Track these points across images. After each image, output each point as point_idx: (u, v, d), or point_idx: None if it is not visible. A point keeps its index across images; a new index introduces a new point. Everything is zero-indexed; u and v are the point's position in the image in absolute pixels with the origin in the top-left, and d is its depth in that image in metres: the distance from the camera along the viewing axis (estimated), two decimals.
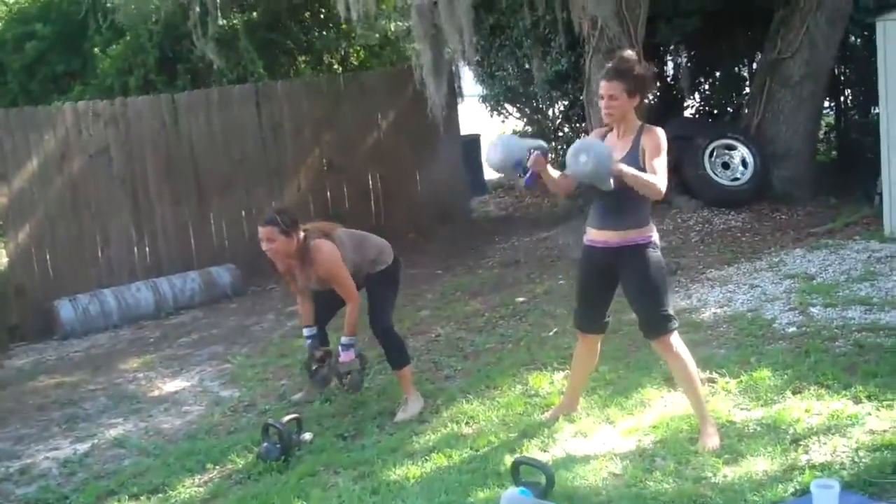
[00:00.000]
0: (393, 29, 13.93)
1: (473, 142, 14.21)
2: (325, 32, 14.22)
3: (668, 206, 10.20)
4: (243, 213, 10.23)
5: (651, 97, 12.08)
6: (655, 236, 4.80)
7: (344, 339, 5.66)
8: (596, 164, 4.37)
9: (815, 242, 8.49)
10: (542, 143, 4.86)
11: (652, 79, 4.98)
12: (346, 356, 5.65)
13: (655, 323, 4.76)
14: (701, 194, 10.06)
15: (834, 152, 12.17)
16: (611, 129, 4.83)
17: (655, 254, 4.75)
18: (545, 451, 4.85)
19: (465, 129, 15.45)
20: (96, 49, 15.51)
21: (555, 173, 4.84)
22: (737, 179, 10.00)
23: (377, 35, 13.01)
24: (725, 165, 10.07)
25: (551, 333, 6.92)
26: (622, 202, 4.66)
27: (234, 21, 14.16)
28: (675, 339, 4.78)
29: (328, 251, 5.55)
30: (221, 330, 8.39)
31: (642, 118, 4.83)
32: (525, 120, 13.63)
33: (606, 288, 4.92)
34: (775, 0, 10.36)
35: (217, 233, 10.05)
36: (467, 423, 5.38)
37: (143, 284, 9.21)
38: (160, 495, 4.92)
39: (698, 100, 12.11)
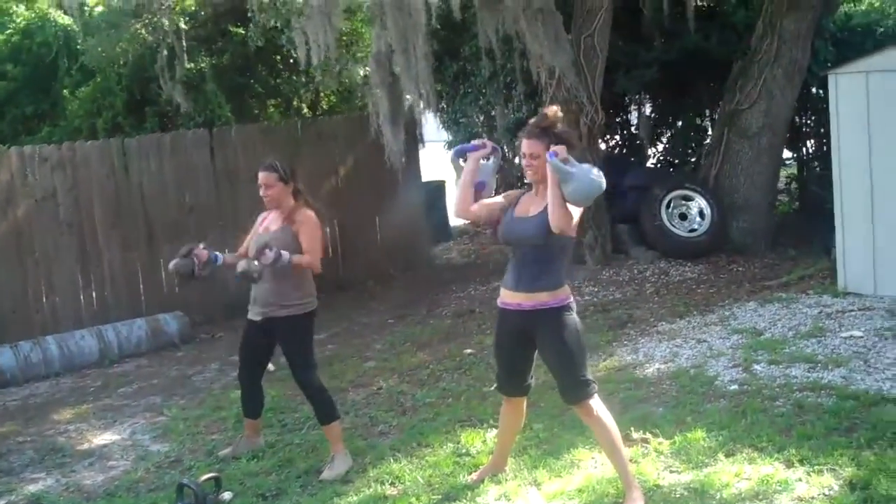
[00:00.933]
0: (362, 74, 13.90)
1: (438, 188, 14.14)
2: (293, 77, 14.17)
3: (625, 256, 10.15)
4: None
5: (615, 146, 12.10)
6: (570, 298, 4.68)
7: (283, 252, 5.40)
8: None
9: (768, 296, 8.42)
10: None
11: (576, 136, 4.89)
12: (272, 252, 5.32)
13: (574, 388, 4.64)
14: (658, 245, 10.00)
15: (797, 203, 12.13)
16: (528, 190, 4.73)
17: (571, 317, 4.63)
18: None
19: (430, 175, 15.43)
20: (66, 91, 15.46)
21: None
22: (694, 230, 9.95)
23: (342, 81, 12.91)
24: (683, 216, 10.03)
25: (492, 388, 6.73)
26: (537, 260, 4.56)
27: (202, 64, 14.10)
28: (596, 403, 4.66)
29: (315, 219, 5.60)
30: (162, 380, 8.20)
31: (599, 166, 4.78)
32: None
33: (524, 351, 4.79)
34: (734, 52, 10.38)
35: (167, 279, 9.87)
36: (392, 484, 5.23)
37: (88, 332, 9.02)
38: None
39: (660, 150, 12.06)
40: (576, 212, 4.54)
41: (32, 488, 5.82)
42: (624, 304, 8.78)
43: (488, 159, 4.99)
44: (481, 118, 13.25)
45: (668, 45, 10.73)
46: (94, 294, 9.48)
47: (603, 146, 12.32)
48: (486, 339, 8.25)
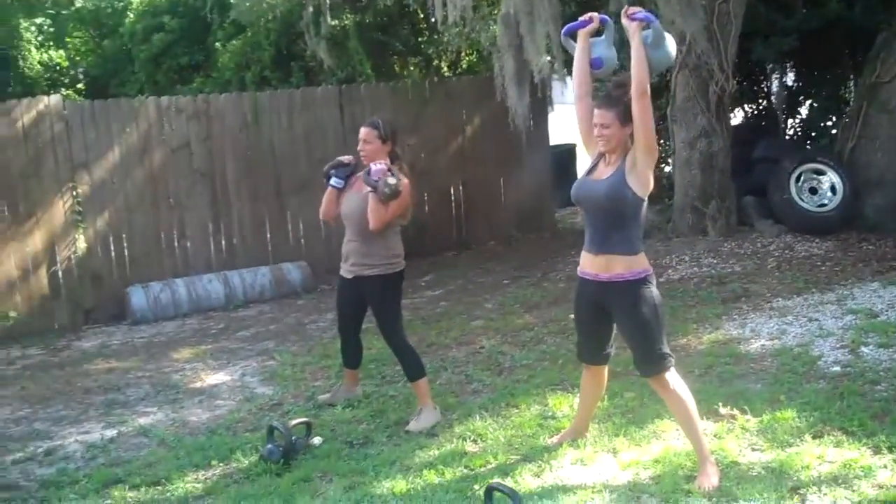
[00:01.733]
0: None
1: (567, 151, 14.07)
2: (435, 36, 14.27)
3: (749, 229, 9.89)
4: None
5: (751, 116, 11.75)
6: (648, 270, 4.63)
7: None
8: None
9: (895, 277, 8.07)
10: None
11: (397, 130, 4.99)
12: (379, 166, 5.54)
13: (649, 361, 4.61)
14: (785, 219, 9.70)
15: None
16: (603, 156, 4.69)
17: (649, 290, 4.58)
18: (538, 476, 4.76)
19: (561, 138, 15.34)
20: (218, 44, 16.03)
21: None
22: (823, 205, 9.60)
23: (476, 41, 12.91)
24: (813, 190, 9.69)
25: (611, 349, 6.75)
26: (608, 224, 4.53)
27: (346, 21, 14.36)
28: (672, 377, 4.61)
29: (407, 185, 5.69)
30: (279, 326, 8.54)
31: None
32: None
33: (602, 320, 4.77)
34: (879, 22, 9.91)
35: (293, 231, 10.23)
36: (474, 441, 5.32)
37: (215, 276, 9.46)
38: (159, 488, 5.04)
39: (798, 122, 11.65)
40: (650, 175, 4.49)
41: (143, 421, 6.19)
42: (742, 277, 8.58)
43: (600, 34, 4.90)
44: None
45: (809, 12, 10.32)
46: (223, 241, 9.91)
47: (739, 116, 12.05)
48: None
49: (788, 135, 11.54)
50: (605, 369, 5.09)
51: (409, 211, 5.94)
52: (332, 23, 13.50)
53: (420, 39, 14.85)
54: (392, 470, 4.97)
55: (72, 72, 22.68)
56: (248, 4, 14.44)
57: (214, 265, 9.73)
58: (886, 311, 7.13)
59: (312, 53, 13.24)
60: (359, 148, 5.75)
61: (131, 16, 19.28)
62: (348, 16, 14.29)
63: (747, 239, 9.61)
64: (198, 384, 6.97)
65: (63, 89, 22.12)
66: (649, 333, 4.56)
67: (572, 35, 4.90)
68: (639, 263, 4.58)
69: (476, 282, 9.77)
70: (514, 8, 9.65)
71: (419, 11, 14.07)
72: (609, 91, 4.61)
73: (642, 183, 4.49)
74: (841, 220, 9.54)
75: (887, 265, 8.53)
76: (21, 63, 22.22)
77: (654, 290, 4.61)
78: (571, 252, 10.60)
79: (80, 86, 21.84)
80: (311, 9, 12.96)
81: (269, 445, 5.22)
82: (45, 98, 8.95)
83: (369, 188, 5.52)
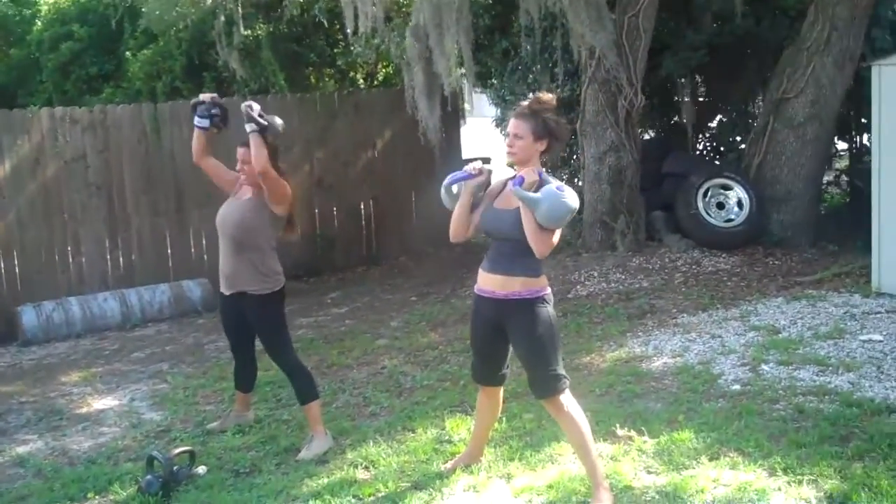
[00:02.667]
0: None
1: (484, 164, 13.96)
2: (351, 48, 14.08)
3: (658, 244, 9.87)
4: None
5: (660, 131, 11.78)
6: (546, 290, 4.51)
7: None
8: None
9: (798, 293, 8.11)
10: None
11: (566, 130, 4.67)
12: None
13: (543, 382, 4.49)
14: (692, 234, 9.69)
15: (848, 198, 11.70)
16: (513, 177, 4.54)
17: (545, 309, 4.46)
18: (432, 501, 4.59)
19: (477, 151, 15.24)
20: (128, 53, 15.61)
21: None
22: (730, 220, 9.62)
23: (383, 54, 12.76)
24: (720, 206, 9.71)
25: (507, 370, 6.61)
26: (514, 251, 4.42)
27: (259, 32, 14.09)
28: (567, 399, 4.49)
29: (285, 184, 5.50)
30: (176, 346, 8.24)
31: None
32: None
33: (498, 340, 4.63)
34: (784, 38, 9.99)
35: (196, 246, 9.92)
36: (366, 468, 5.13)
37: (111, 295, 9.12)
38: None
39: (707, 137, 11.70)
40: (556, 231, 4.35)
41: (21, 450, 5.87)
42: (649, 293, 8.53)
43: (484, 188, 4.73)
44: (529, 96, 12.97)
45: (718, 27, 10.38)
46: (120, 258, 9.57)
47: (652, 131, 12.05)
48: None
49: (698, 150, 11.57)
50: (500, 391, 4.95)
51: (297, 227, 5.72)
52: (245, 33, 13.24)
53: (336, 51, 14.65)
54: (277, 501, 4.76)
55: None
56: (157, 13, 14.09)
57: (111, 283, 9.38)
58: (788, 327, 7.13)
59: (225, 64, 12.95)
60: (237, 169, 5.52)
61: (39, 24, 18.73)
62: (261, 26, 14.04)
63: (655, 254, 9.58)
64: (84, 409, 6.65)
65: None
66: (544, 354, 4.44)
67: (456, 183, 4.76)
68: (538, 283, 4.46)
69: (383, 298, 9.59)
70: (424, 20, 9.53)
71: (335, 22, 13.89)
72: (528, 104, 4.47)
73: None
74: (747, 235, 9.56)
75: (792, 280, 8.57)
76: None
77: (550, 310, 4.50)
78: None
79: None
80: (222, 18, 12.70)
81: (148, 476, 4.96)
82: None
83: (254, 129, 5.28)
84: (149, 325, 9.12)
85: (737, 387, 5.96)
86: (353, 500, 4.70)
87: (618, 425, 5.32)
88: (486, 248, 11.28)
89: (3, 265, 8.94)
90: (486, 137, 14.50)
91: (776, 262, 9.24)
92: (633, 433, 5.23)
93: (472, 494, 4.69)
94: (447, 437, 5.47)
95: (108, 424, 6.30)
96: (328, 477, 5.04)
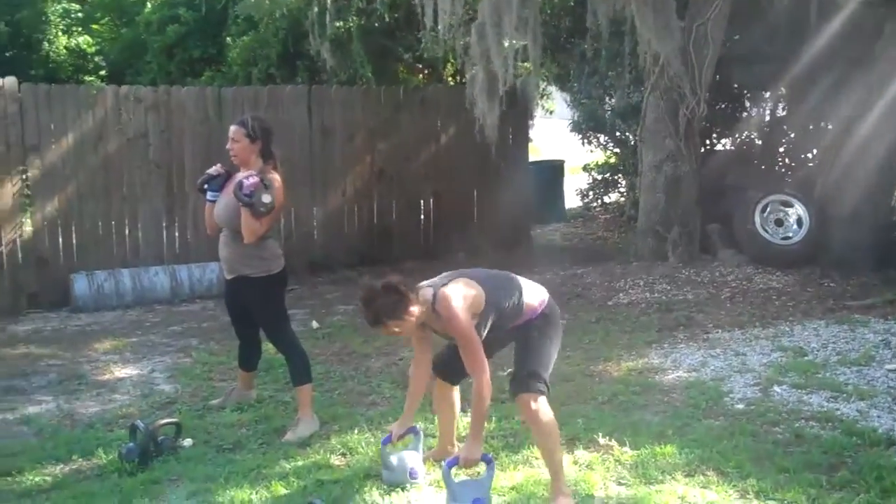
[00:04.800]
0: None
1: (555, 167, 13.88)
2: (422, 43, 14.14)
3: (711, 257, 9.66)
4: (282, 211, 10.26)
5: (732, 143, 11.49)
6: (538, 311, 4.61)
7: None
8: None
9: (843, 317, 7.82)
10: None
11: (270, 128, 5.51)
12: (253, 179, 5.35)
13: (521, 379, 4.50)
14: (747, 250, 9.47)
15: None
16: None
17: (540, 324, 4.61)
18: (387, 495, 4.60)
19: (552, 153, 15.15)
20: (229, 38, 16.03)
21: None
22: (788, 238, 9.35)
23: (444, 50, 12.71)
24: (779, 222, 9.44)
25: (505, 373, 6.57)
26: None
27: (350, 24, 14.27)
28: (541, 403, 4.45)
29: (279, 186, 5.52)
30: (212, 324, 8.42)
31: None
32: (605, 150, 13.21)
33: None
34: (861, 53, 9.63)
35: None
36: (343, 455, 5.18)
37: (162, 269, 9.37)
38: (9, 478, 4.91)
39: (780, 151, 11.36)
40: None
41: (32, 409, 6.09)
42: (691, 306, 8.36)
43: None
44: (607, 100, 12.86)
45: (791, 40, 10.05)
46: (176, 234, 9.81)
47: (723, 143, 11.78)
48: None
49: (767, 164, 11.24)
50: (454, 390, 4.95)
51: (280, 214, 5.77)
52: (337, 24, 13.42)
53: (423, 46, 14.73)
54: (245, 479, 4.81)
55: (96, 59, 22.85)
56: (254, 0, 14.37)
57: (165, 258, 9.63)
58: (817, 350, 6.89)
59: (317, 53, 13.14)
60: (227, 146, 5.62)
61: (149, 6, 19.38)
62: (353, 19, 14.20)
63: (707, 267, 9.37)
64: (104, 377, 6.86)
65: (86, 76, 22.30)
66: (538, 358, 4.52)
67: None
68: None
69: None
70: (484, 18, 9.51)
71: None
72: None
73: None
74: (804, 254, 9.28)
75: (841, 304, 8.28)
76: (46, 46, 22.41)
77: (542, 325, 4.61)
78: (535, 269, 10.42)
79: (102, 73, 22.00)
80: (316, 9, 12.87)
81: (130, 444, 5.10)
82: (0, 79, 8.90)
83: (244, 202, 5.34)
84: (196, 302, 9.34)
85: (741, 406, 5.79)
86: (316, 484, 4.73)
87: (600, 433, 5.23)
88: (546, 253, 11.25)
89: (61, 234, 9.27)
90: (562, 139, 14.41)
91: (831, 285, 8.92)
92: (614, 443, 5.13)
93: (436, 489, 4.68)
94: (433, 433, 5.45)
95: (120, 392, 6.49)
96: (303, 460, 5.09)
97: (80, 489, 4.74)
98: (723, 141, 11.57)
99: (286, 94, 10.47)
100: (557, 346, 4.71)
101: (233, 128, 5.59)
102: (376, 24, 14.04)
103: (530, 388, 4.46)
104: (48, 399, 6.34)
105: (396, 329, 4.41)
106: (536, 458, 4.97)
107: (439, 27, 10.50)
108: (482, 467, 4.49)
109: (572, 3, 12.39)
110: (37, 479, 4.92)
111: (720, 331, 7.60)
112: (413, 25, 14.11)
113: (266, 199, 5.36)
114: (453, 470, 4.41)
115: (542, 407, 4.48)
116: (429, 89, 12.11)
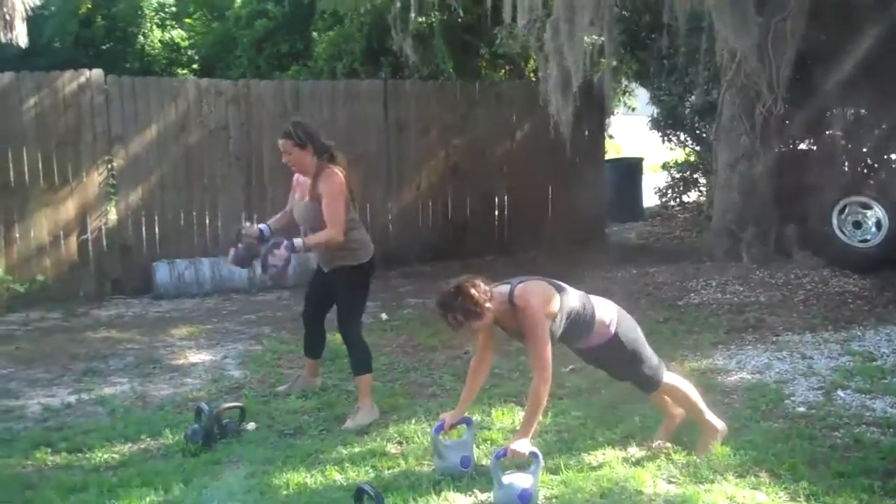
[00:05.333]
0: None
1: (633, 165, 13.80)
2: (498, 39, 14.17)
3: (787, 259, 9.52)
4: (357, 204, 10.45)
5: (812, 142, 11.28)
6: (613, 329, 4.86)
7: (297, 241, 5.57)
8: None
9: None
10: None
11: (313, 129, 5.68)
12: (282, 251, 5.47)
13: (645, 385, 5.05)
14: (823, 252, 9.30)
15: None
16: None
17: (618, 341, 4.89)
18: (436, 485, 4.69)
19: (636, 150, 15.04)
20: (315, 33, 16.33)
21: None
22: (866, 241, 9.16)
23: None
24: (857, 225, 9.25)
25: (567, 370, 6.62)
26: None
27: (433, 19, 14.41)
28: (667, 389, 5.06)
29: (336, 180, 5.64)
30: (285, 314, 8.62)
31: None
32: (685, 148, 13.09)
33: None
34: None
35: None
36: (398, 443, 5.30)
37: None
38: (79, 454, 5.16)
39: (863, 151, 11.08)
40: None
41: (108, 391, 6.36)
42: (762, 308, 8.25)
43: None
44: (686, 97, 12.72)
45: (877, 38, 9.83)
46: (256, 224, 10.01)
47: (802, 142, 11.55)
48: None
49: (848, 165, 10.99)
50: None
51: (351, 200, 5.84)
52: (420, 19, 13.54)
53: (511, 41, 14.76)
54: (302, 463, 4.97)
55: (189, 52, 23.46)
56: None
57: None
58: (887, 355, 6.77)
59: (400, 48, 13.28)
60: (284, 161, 5.77)
61: (239, 0, 19.81)
62: (435, 14, 14.33)
63: (782, 269, 9.24)
64: (179, 361, 7.11)
65: (179, 69, 22.92)
66: (635, 363, 4.96)
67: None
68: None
69: None
70: (558, 14, 9.52)
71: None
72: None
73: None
74: (883, 257, 9.07)
75: None
76: (141, 40, 23.08)
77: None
78: (608, 268, 10.42)
79: (195, 66, 22.57)
80: (398, 4, 13.00)
81: (195, 426, 5.30)
82: (87, 71, 9.23)
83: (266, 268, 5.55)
84: (273, 292, 9.56)
85: (802, 409, 5.74)
86: (369, 471, 4.86)
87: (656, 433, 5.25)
88: (621, 251, 11.22)
89: (144, 223, 9.59)
90: (644, 136, 14.30)
91: None
92: (669, 445, 5.14)
93: (483, 480, 4.75)
94: (487, 425, 5.54)
95: (192, 377, 6.73)
96: (360, 447, 5.22)
97: (145, 467, 4.95)
98: (801, 140, 11.34)
99: (362, 88, 10.65)
100: (641, 336, 5.00)
101: (280, 142, 5.74)
102: (459, 20, 14.14)
103: (653, 386, 4.97)
104: (124, 381, 6.60)
105: (475, 328, 4.58)
106: (587, 454, 5.03)
107: (518, 23, 10.51)
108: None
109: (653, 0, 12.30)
110: (105, 456, 5.15)
111: (790, 333, 7.50)
112: (495, 21, 14.20)
113: (297, 244, 5.53)
114: (501, 461, 4.49)
115: (669, 391, 5.02)
116: (504, 85, 12.18)
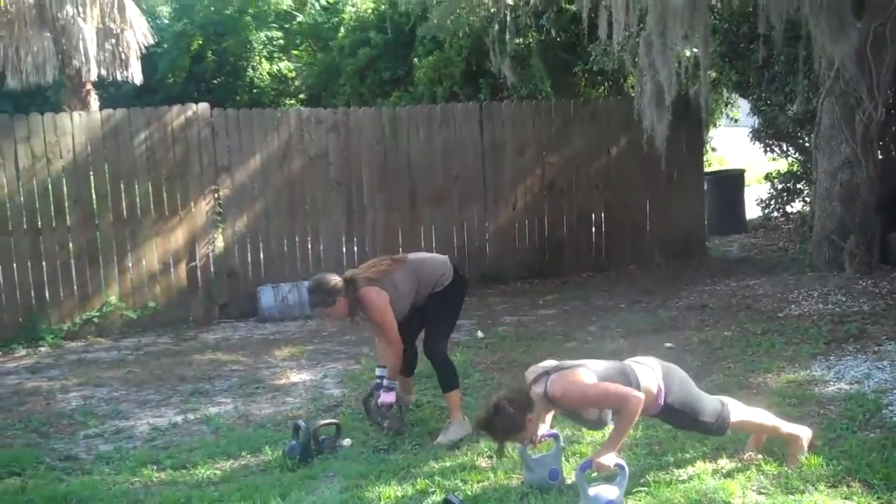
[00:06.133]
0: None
1: (735, 177, 13.63)
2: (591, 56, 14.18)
3: (892, 268, 9.29)
4: (454, 225, 10.66)
5: None
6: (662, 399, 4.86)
7: (386, 382, 5.86)
8: None
9: None
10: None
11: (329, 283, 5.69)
12: (385, 397, 5.83)
13: (711, 431, 5.01)
14: None
15: None
16: None
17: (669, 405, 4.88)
18: (525, 496, 4.77)
19: (740, 162, 14.83)
20: (416, 59, 16.66)
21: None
22: None
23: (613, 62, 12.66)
24: None
25: None
26: None
27: (530, 40, 14.56)
28: (735, 425, 5.03)
29: (373, 298, 5.75)
30: None
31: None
32: (787, 158, 12.88)
33: None
34: None
35: (426, 241, 10.51)
36: (489, 458, 5.38)
37: None
38: (184, 471, 5.42)
39: None
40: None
41: (213, 410, 6.63)
42: (865, 317, 8.07)
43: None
44: (787, 107, 12.53)
45: None
46: (355, 248, 10.31)
47: None
48: (696, 334, 8.05)
49: None
50: None
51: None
52: (517, 40, 13.70)
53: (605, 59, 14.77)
54: (396, 477, 5.11)
55: (296, 83, 24.14)
56: (434, 21, 14.84)
57: (346, 271, 10.10)
58: None
59: (499, 70, 13.44)
60: (327, 325, 6.05)
61: (342, 31, 20.31)
62: (532, 34, 14.46)
63: (886, 278, 9.02)
64: (281, 381, 7.36)
65: (287, 99, 23.60)
66: (692, 414, 4.91)
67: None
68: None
69: (594, 304, 9.69)
70: (651, 28, 9.52)
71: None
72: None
73: None
74: None
75: None
76: (251, 73, 23.87)
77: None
78: (707, 280, 10.35)
79: (301, 96, 23.22)
80: (496, 27, 13.17)
81: (292, 442, 5.50)
82: (194, 105, 9.65)
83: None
84: None
85: None
86: (459, 484, 4.97)
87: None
88: (721, 265, 11.07)
89: (249, 249, 9.94)
90: (748, 147, 14.09)
91: None
92: (760, 456, 5.11)
93: (570, 495, 4.81)
94: (578, 439, 5.60)
95: (293, 395, 6.96)
96: (451, 461, 5.34)
97: (245, 482, 5.16)
98: None
99: (458, 111, 10.82)
100: (694, 390, 4.98)
101: (315, 314, 6.12)
102: (558, 39, 14.21)
103: (721, 432, 5.02)
104: (228, 401, 6.87)
105: (523, 437, 4.75)
106: (677, 467, 5.04)
107: (614, 40, 10.54)
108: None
109: (751, 9, 12.16)
110: (208, 472, 5.39)
111: (892, 343, 7.31)
112: (591, 39, 14.23)
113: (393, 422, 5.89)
114: (587, 473, 4.55)
115: (737, 427, 5.06)
116: (599, 102, 12.19)
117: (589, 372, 4.68)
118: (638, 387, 4.70)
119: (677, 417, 4.92)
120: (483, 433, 4.82)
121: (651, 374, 4.83)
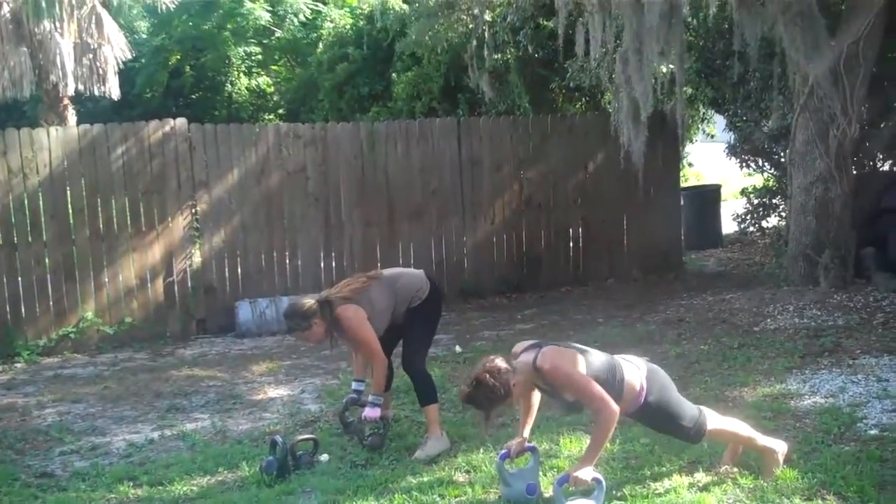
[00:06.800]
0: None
1: (712, 192, 13.72)
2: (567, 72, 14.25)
3: (866, 282, 9.37)
4: (433, 240, 10.69)
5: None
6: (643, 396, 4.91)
7: (371, 398, 5.82)
8: None
9: None
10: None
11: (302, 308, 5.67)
12: (370, 412, 5.78)
13: (690, 437, 5.08)
14: None
15: None
16: None
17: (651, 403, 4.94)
18: None
19: (716, 178, 14.93)
20: (394, 75, 16.69)
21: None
22: None
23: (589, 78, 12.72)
24: None
25: None
26: None
27: (508, 56, 14.60)
28: (711, 435, 5.09)
29: (350, 316, 5.73)
30: None
31: None
32: (763, 174, 12.99)
33: None
34: None
35: (404, 256, 10.52)
36: (467, 472, 5.40)
37: None
38: (160, 487, 5.39)
39: None
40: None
41: (189, 426, 6.60)
42: (840, 331, 8.14)
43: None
44: (763, 123, 12.64)
45: None
46: (333, 263, 10.32)
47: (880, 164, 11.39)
48: (673, 348, 8.09)
49: None
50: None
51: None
52: (496, 56, 13.73)
53: (582, 75, 14.84)
54: (373, 493, 5.11)
55: (274, 98, 24.15)
56: (413, 37, 14.87)
57: (323, 286, 10.08)
58: None
59: (477, 86, 13.48)
60: (306, 346, 6.02)
61: (321, 46, 20.33)
62: (510, 50, 14.50)
63: (861, 292, 9.10)
64: (258, 396, 7.34)
65: (266, 114, 23.59)
66: (672, 418, 4.97)
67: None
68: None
69: (572, 319, 9.72)
70: (627, 45, 9.60)
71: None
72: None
73: None
74: None
75: None
76: (229, 88, 23.87)
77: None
78: (684, 295, 10.40)
79: (280, 111, 23.23)
80: (474, 42, 13.21)
81: (270, 458, 5.48)
82: (171, 120, 9.64)
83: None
84: None
85: (874, 432, 5.67)
86: (437, 499, 4.98)
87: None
88: (698, 279, 11.14)
89: (227, 265, 9.92)
90: (724, 163, 14.19)
91: None
92: (736, 469, 5.14)
93: None
94: (555, 453, 5.61)
95: (271, 411, 6.94)
96: (428, 476, 5.34)
97: (222, 498, 5.15)
98: (878, 161, 11.18)
99: (436, 126, 10.86)
100: (675, 393, 5.03)
101: (294, 336, 6.00)
102: (536, 56, 14.26)
103: (697, 438, 5.07)
104: (205, 417, 6.85)
105: (509, 403, 4.81)
106: (653, 481, 5.07)
107: (591, 56, 10.62)
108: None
109: (727, 26, 12.27)
110: (185, 488, 5.37)
111: (867, 357, 7.39)
112: (568, 55, 14.31)
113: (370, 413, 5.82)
114: (564, 487, 4.56)
115: (713, 436, 5.09)
116: (576, 117, 12.26)
117: (584, 361, 4.72)
118: (622, 381, 4.77)
119: (655, 418, 4.97)
120: (469, 406, 4.85)
121: (636, 371, 4.90)
